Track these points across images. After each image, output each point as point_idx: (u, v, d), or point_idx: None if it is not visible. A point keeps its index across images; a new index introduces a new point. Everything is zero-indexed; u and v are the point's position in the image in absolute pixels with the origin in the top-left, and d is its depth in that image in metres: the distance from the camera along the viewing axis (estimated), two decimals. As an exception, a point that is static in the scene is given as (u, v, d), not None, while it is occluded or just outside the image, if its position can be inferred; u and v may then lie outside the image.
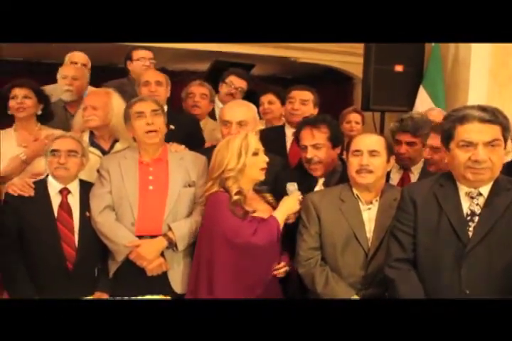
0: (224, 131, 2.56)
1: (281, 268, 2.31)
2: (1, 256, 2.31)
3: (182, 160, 2.51)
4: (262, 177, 2.32)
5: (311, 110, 3.09)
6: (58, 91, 3.31)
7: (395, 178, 2.72)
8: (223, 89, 3.58)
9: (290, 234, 2.32)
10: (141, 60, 3.59)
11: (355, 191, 2.26)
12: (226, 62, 5.24)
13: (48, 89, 3.38)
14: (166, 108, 2.63)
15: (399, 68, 3.78)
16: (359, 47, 4.02)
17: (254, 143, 2.29)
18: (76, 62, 3.71)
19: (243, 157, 2.24)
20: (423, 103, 3.67)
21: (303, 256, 2.26)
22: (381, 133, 3.62)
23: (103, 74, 3.74)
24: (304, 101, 3.11)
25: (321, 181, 2.49)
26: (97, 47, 4.48)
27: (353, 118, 3.80)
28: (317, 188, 2.48)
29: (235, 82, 3.58)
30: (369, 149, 2.20)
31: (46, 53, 5.72)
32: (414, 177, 2.69)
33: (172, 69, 6.32)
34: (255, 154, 2.28)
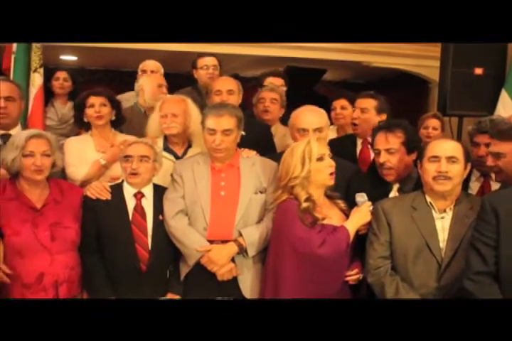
0: (299, 138, 2.54)
1: (353, 275, 2.27)
2: (81, 256, 2.40)
3: (253, 166, 2.52)
4: (330, 182, 2.28)
5: (373, 117, 3.04)
6: (146, 98, 3.41)
7: (475, 187, 2.61)
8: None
9: (361, 241, 2.27)
10: (205, 67, 3.64)
11: (428, 199, 2.18)
12: (297, 68, 5.24)
13: (126, 96, 3.52)
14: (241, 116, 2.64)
15: (479, 71, 3.60)
16: (435, 50, 3.89)
17: (318, 148, 2.26)
18: (145, 70, 3.84)
19: (307, 163, 2.23)
20: (505, 108, 3.48)
21: (372, 264, 2.21)
22: (458, 139, 3.47)
23: (174, 82, 3.84)
24: (363, 109, 3.06)
25: (395, 187, 2.42)
26: (168, 55, 4.63)
27: (431, 124, 3.68)
28: (392, 194, 2.41)
29: (276, 82, 3.56)
30: (447, 155, 2.12)
31: (123, 62, 5.96)
32: (495, 185, 2.56)
33: (244, 76, 6.40)
34: (320, 159, 2.25)
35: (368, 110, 3.06)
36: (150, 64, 3.89)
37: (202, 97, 3.45)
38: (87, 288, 2.41)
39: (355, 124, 3.11)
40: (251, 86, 4.04)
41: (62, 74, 3.72)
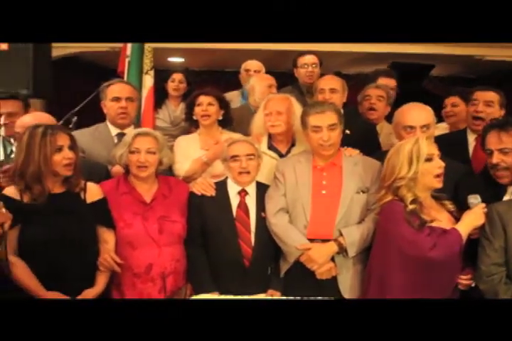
0: (406, 136, 2.46)
1: (466, 281, 2.16)
2: (187, 251, 2.49)
3: (356, 166, 2.49)
4: (438, 184, 2.18)
5: (496, 112, 2.87)
6: (256, 98, 3.47)
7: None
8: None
9: (471, 246, 2.16)
10: (305, 66, 3.63)
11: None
12: (403, 64, 5.07)
13: (228, 96, 3.61)
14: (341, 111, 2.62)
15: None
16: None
17: (427, 148, 2.16)
18: (249, 69, 3.90)
19: (415, 164, 2.14)
20: None
21: (485, 271, 2.08)
22: None
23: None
24: (488, 103, 2.88)
25: (510, 190, 2.26)
26: (269, 54, 4.68)
27: None
28: (506, 198, 2.25)
29: (388, 83, 3.46)
30: None
31: (227, 62, 6.11)
32: None
33: (347, 73, 6.31)
34: (429, 160, 2.15)
35: (493, 104, 2.89)
36: (253, 63, 3.96)
37: (302, 96, 3.46)
38: (192, 281, 2.50)
39: (477, 118, 2.90)
40: (354, 83, 3.98)
41: (178, 76, 3.85)
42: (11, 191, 2.19)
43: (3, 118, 2.70)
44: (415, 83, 5.66)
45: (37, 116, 2.60)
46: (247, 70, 3.93)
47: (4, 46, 3.82)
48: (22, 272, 2.12)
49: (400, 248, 2.12)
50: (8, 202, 2.08)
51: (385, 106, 3.37)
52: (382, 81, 3.58)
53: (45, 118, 2.58)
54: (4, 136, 2.96)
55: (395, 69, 4.45)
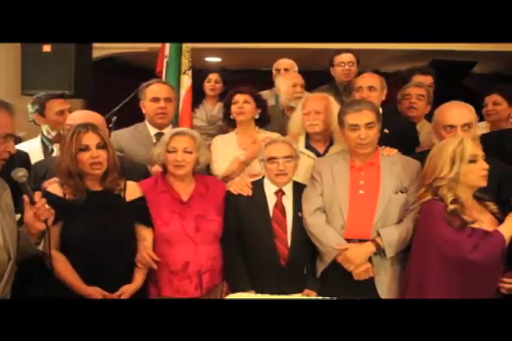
0: (446, 136, 2.41)
1: (509, 284, 2.10)
2: (223, 249, 2.51)
3: (394, 166, 2.45)
4: (482, 183, 2.12)
5: None
6: (282, 98, 3.49)
7: None
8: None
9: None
10: (342, 65, 3.60)
11: None
12: (444, 61, 4.97)
13: (264, 94, 3.61)
14: (380, 111, 2.58)
15: None
16: None
17: (471, 148, 2.11)
18: (280, 68, 3.89)
19: (457, 165, 2.10)
20: None
21: None
22: None
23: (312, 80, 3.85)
24: None
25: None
26: (305, 53, 4.65)
27: None
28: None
29: (424, 81, 3.39)
30: None
31: (262, 61, 6.12)
32: None
33: (384, 71, 6.22)
34: (472, 161, 2.10)
35: None
36: (284, 62, 3.95)
37: (339, 94, 3.43)
38: (228, 279, 2.51)
39: None
40: (392, 81, 3.91)
41: (214, 76, 3.87)
42: (54, 188, 2.26)
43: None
44: (456, 81, 5.54)
45: (85, 114, 2.66)
46: (278, 70, 3.92)
47: (47, 48, 3.94)
48: (63, 267, 2.18)
49: (440, 248, 2.08)
50: (52, 198, 2.13)
51: (426, 105, 3.31)
52: (418, 78, 3.53)
53: (93, 116, 2.62)
54: (47, 135, 3.07)
55: (435, 66, 4.37)
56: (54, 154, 2.95)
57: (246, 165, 2.87)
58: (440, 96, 3.07)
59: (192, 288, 2.40)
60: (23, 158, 2.60)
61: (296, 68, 3.94)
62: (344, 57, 3.63)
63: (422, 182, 2.23)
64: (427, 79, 3.52)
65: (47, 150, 3.05)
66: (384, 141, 2.54)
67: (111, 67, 5.74)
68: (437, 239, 2.09)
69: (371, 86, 3.05)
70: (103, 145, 2.24)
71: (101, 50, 4.97)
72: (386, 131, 2.46)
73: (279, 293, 2.21)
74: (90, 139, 2.23)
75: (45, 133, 3.09)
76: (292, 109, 3.36)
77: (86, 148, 2.22)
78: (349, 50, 3.68)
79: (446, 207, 2.10)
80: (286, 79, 3.54)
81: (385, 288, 2.36)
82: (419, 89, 3.31)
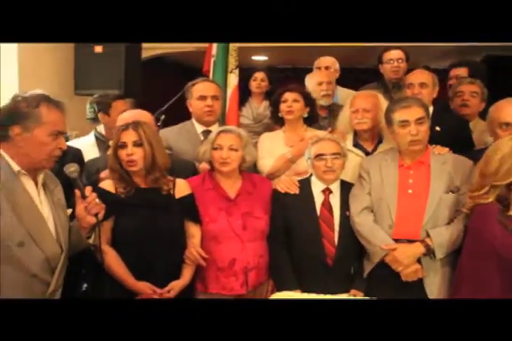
0: (501, 134, 2.34)
1: None
2: (270, 247, 2.51)
3: (445, 165, 2.40)
4: None
5: None
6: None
7: None
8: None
9: None
10: (391, 62, 3.55)
11: None
12: (498, 56, 4.80)
13: None
14: (431, 109, 2.52)
15: None
16: None
17: None
18: (320, 67, 3.86)
19: None
20: None
21: None
22: None
23: (352, 76, 3.80)
24: None
25: None
26: (351, 51, 4.59)
27: None
28: None
29: (461, 73, 3.34)
30: None
31: (308, 59, 6.09)
32: None
33: (436, 68, 6.06)
34: None
35: None
36: (324, 60, 3.92)
37: (388, 92, 3.37)
38: (274, 278, 2.51)
39: None
40: (442, 78, 3.82)
41: (259, 75, 3.90)
42: (107, 184, 2.32)
43: None
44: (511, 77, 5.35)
45: (135, 113, 2.72)
46: (318, 67, 3.90)
47: (99, 49, 4.05)
48: (114, 261, 2.23)
49: (497, 252, 2.00)
50: (103, 194, 2.19)
51: (479, 102, 3.21)
52: (455, 72, 3.45)
53: (142, 114, 2.66)
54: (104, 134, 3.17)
55: (489, 62, 4.23)
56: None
57: (292, 163, 2.86)
58: (495, 93, 2.97)
59: (238, 285, 2.42)
60: (75, 154, 2.70)
61: (337, 66, 3.91)
62: (393, 54, 3.58)
63: (481, 182, 2.12)
64: (463, 71, 3.44)
65: (103, 146, 3.13)
66: (435, 139, 2.48)
67: (159, 67, 5.84)
68: (493, 242, 2.01)
69: (422, 82, 2.99)
70: (140, 143, 2.27)
71: (150, 50, 5.07)
72: (437, 128, 2.40)
73: (325, 293, 2.19)
74: (128, 136, 2.27)
75: (100, 130, 3.20)
76: (322, 107, 3.34)
77: (124, 145, 2.27)
78: (398, 46, 3.61)
79: (501, 210, 2.02)
80: (311, 78, 3.54)
81: (435, 290, 2.32)
82: (472, 86, 3.22)
